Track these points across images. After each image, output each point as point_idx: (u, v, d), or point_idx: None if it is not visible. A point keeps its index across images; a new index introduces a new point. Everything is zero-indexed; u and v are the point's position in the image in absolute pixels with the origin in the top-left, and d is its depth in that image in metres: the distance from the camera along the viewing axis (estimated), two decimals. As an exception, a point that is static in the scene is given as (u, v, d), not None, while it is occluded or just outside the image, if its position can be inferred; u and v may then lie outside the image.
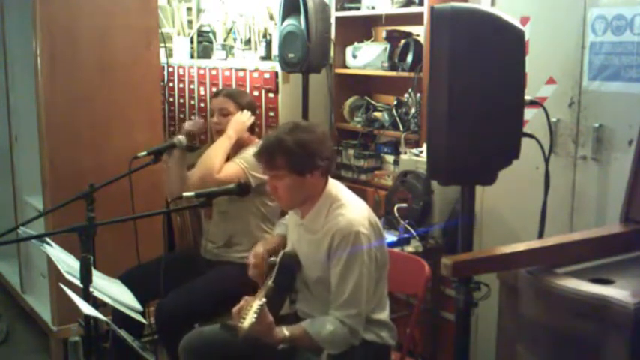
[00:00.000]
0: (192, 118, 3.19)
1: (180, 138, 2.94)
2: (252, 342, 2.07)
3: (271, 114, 4.11)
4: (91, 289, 2.02)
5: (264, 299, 2.10)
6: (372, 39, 4.10)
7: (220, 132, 3.05)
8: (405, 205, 3.22)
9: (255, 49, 4.56)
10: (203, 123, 3.30)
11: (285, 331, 2.20)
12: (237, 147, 3.05)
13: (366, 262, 2.26)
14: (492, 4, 2.98)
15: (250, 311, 2.05)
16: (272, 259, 2.56)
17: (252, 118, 3.11)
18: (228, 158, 3.01)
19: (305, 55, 3.70)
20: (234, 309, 2.17)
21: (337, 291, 2.26)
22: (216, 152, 2.95)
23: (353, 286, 2.24)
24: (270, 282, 2.39)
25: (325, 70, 3.95)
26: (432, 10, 1.91)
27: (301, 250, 2.46)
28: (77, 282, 2.05)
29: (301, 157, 2.29)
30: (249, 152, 2.98)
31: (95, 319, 2.08)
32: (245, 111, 3.08)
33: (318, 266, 2.37)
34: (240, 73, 4.33)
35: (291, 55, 3.79)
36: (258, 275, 2.47)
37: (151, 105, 3.69)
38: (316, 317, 2.31)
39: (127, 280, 2.59)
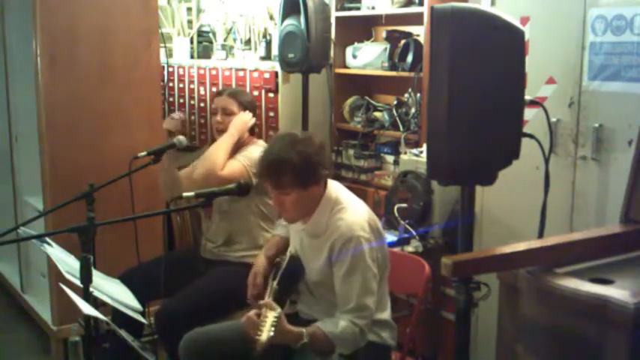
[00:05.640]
0: (173, 115, 3.16)
1: (180, 138, 2.93)
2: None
3: (271, 114, 4.10)
4: (91, 289, 2.03)
5: (279, 310, 2.11)
6: (372, 39, 4.10)
7: (222, 131, 3.06)
8: (405, 205, 3.22)
9: (255, 49, 4.55)
10: (183, 119, 3.24)
11: (302, 329, 2.20)
12: (237, 147, 3.06)
13: (368, 265, 2.27)
14: (492, 4, 2.98)
15: (267, 324, 2.05)
16: (277, 259, 2.57)
17: (253, 119, 3.12)
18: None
19: (305, 55, 3.70)
20: (245, 317, 2.17)
21: (344, 297, 2.27)
22: (219, 149, 2.96)
23: (359, 291, 2.24)
24: (275, 284, 2.39)
25: (325, 70, 3.94)
26: (432, 10, 1.91)
27: (304, 253, 2.47)
28: (77, 282, 2.05)
29: (306, 172, 2.29)
30: (251, 150, 3.00)
31: (95, 319, 2.08)
32: (247, 111, 3.09)
33: (320, 270, 2.37)
34: (240, 73, 4.33)
35: (291, 55, 3.78)
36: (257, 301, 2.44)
37: (151, 105, 3.69)
38: (326, 318, 2.30)
39: (127, 280, 2.59)
